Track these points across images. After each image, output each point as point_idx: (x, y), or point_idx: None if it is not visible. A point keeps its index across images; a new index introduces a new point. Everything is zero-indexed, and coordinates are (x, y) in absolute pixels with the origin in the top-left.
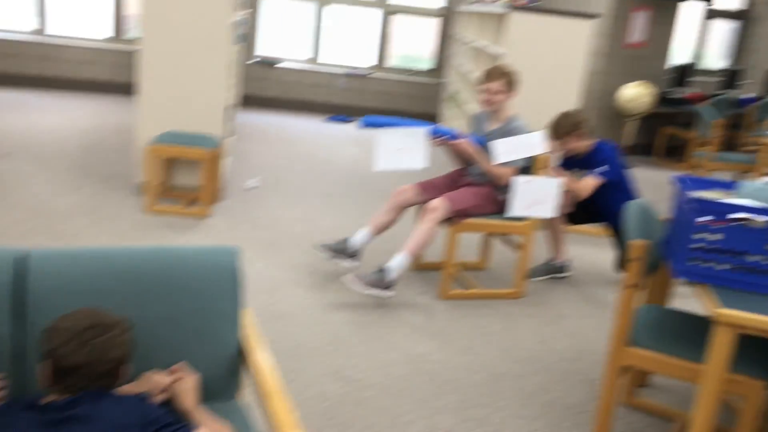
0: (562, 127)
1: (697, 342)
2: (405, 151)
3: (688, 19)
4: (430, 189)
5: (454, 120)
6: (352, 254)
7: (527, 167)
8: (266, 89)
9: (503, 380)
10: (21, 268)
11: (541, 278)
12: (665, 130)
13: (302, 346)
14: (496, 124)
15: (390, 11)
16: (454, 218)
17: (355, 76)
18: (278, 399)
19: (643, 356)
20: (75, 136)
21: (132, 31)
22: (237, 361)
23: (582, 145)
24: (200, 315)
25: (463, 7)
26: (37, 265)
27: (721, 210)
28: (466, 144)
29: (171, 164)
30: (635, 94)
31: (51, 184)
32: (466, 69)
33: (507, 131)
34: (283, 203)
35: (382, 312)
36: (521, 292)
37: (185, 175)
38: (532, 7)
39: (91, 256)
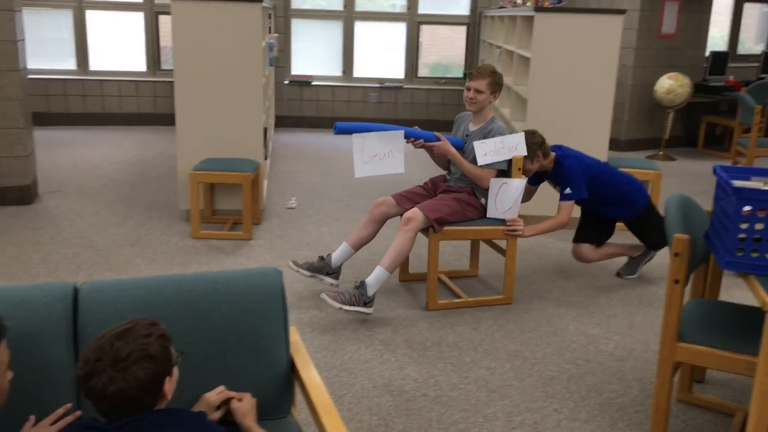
0: (531, 145)
1: (749, 334)
2: (384, 155)
3: (720, 5)
4: (409, 199)
5: None
6: (332, 272)
7: (506, 170)
8: (300, 109)
9: (554, 383)
10: (72, 302)
11: (633, 276)
12: (707, 120)
13: (352, 360)
14: (477, 126)
15: (417, 22)
16: (432, 227)
17: (387, 89)
18: (331, 415)
19: (695, 351)
20: (120, 169)
21: (169, 62)
22: (288, 378)
23: (548, 161)
24: (250, 336)
25: (490, 12)
26: (86, 298)
27: (764, 198)
28: (446, 145)
29: (213, 189)
30: (672, 85)
31: (100, 217)
32: None
33: (486, 133)
34: (324, 220)
35: (426, 322)
36: (510, 297)
37: (227, 199)
38: (558, 7)
39: (138, 286)
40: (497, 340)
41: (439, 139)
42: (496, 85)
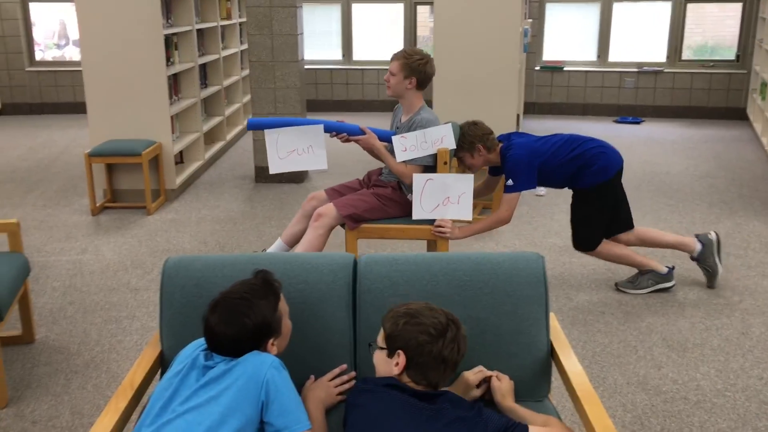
0: (470, 137)
1: None
2: (302, 150)
3: None
4: (341, 193)
5: (765, 113)
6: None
7: (433, 165)
8: (550, 95)
9: None
10: (353, 271)
11: (643, 291)
12: None
13: (603, 353)
14: (407, 116)
15: (685, 0)
16: (348, 224)
17: (646, 73)
18: (594, 405)
19: None
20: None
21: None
22: (548, 363)
23: (495, 154)
24: (511, 318)
25: None
26: (364, 270)
27: None
28: (371, 139)
29: None
30: None
31: None
32: None
33: (410, 125)
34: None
35: (688, 322)
36: None
37: None
38: None
39: (410, 261)
40: None
41: (364, 133)
42: (410, 69)
